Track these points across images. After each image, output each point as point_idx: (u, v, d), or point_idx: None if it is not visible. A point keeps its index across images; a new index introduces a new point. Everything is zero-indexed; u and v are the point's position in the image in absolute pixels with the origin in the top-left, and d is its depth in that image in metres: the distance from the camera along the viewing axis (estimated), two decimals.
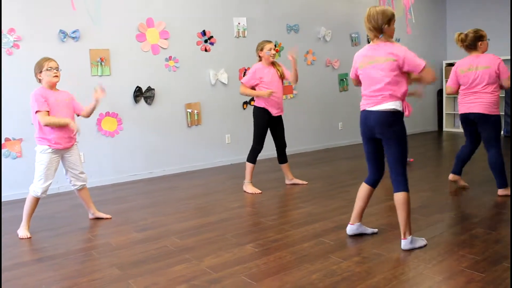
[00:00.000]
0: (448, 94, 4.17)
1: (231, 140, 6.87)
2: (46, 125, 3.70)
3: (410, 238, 3.07)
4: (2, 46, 5.00)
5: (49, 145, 3.76)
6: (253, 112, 4.92)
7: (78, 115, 4.06)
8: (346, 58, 8.18)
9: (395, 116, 3.01)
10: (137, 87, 5.92)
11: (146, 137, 6.05)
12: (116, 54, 5.73)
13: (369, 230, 3.45)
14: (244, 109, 6.96)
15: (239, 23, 6.79)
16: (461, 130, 8.63)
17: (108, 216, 4.18)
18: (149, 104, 6.04)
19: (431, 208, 4.05)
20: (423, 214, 3.86)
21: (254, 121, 4.91)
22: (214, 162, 6.71)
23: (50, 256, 3.27)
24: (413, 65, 2.97)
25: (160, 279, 2.79)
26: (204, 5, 6.45)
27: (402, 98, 3.04)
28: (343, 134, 8.29)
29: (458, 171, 4.64)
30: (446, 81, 10.36)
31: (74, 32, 5.39)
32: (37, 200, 3.82)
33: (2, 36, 4.99)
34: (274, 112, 4.85)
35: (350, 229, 3.40)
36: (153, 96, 6.05)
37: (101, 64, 5.61)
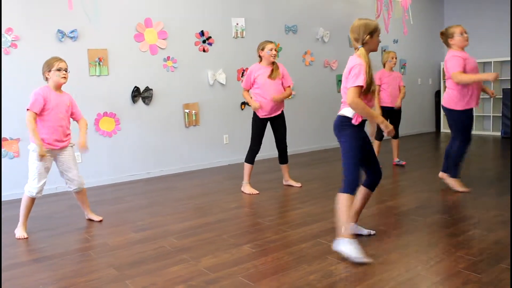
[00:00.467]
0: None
1: (229, 140, 6.87)
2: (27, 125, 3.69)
3: (342, 240, 3.02)
4: (1, 46, 4.99)
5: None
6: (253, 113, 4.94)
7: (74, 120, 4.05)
8: (344, 59, 8.15)
9: (345, 122, 3.16)
10: (135, 87, 5.92)
11: (144, 138, 6.05)
12: (114, 54, 5.73)
13: (365, 231, 3.45)
14: (242, 109, 6.96)
15: (237, 24, 6.79)
16: None
17: (99, 218, 4.14)
18: (147, 104, 6.04)
19: (428, 209, 4.06)
20: (420, 215, 3.86)
21: (251, 122, 4.91)
22: (212, 162, 6.70)
23: (47, 256, 3.27)
24: (348, 80, 3.10)
25: (158, 280, 2.78)
26: (202, 6, 6.45)
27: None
28: None
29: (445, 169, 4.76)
30: (444, 81, 10.42)
31: (72, 32, 5.39)
32: (32, 200, 3.81)
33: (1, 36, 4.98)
34: (262, 114, 4.79)
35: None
36: (151, 96, 6.05)
37: (99, 64, 5.61)
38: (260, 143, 4.91)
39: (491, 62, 9.24)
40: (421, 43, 9.80)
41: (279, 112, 4.88)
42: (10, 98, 5.06)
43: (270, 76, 4.74)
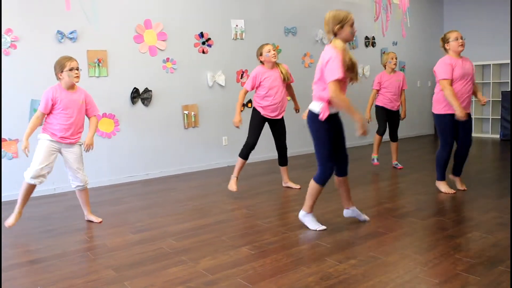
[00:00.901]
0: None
1: (228, 142, 6.87)
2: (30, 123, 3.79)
3: (305, 213, 3.59)
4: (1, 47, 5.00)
5: (51, 135, 3.80)
6: (252, 110, 4.91)
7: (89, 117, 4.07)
8: None
9: (313, 117, 3.34)
10: (135, 88, 5.92)
11: (143, 139, 6.04)
12: (113, 55, 5.73)
13: (362, 217, 3.75)
14: (241, 111, 6.93)
15: (237, 25, 6.79)
16: None
17: (99, 220, 4.12)
18: (146, 105, 6.04)
19: (427, 211, 4.06)
20: (419, 217, 3.86)
21: (250, 119, 4.87)
22: (211, 164, 6.70)
23: (45, 257, 3.26)
24: (326, 73, 3.17)
25: (156, 281, 2.78)
26: (202, 7, 6.45)
27: (326, 101, 3.26)
28: None
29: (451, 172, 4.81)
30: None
31: (71, 33, 5.39)
32: (30, 187, 3.79)
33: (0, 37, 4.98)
34: (270, 115, 4.80)
35: (346, 212, 3.78)
36: (151, 98, 6.05)
37: (98, 65, 5.61)
38: (257, 138, 4.80)
39: (490, 64, 9.26)
40: (420, 46, 9.81)
41: (281, 116, 4.87)
42: (10, 99, 5.06)
43: (282, 79, 4.75)
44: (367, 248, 3.18)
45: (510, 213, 3.83)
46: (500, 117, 8.95)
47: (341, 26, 3.28)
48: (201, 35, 6.45)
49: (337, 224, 3.75)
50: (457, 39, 4.37)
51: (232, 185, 4.84)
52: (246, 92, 4.80)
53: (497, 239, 3.27)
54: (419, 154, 7.29)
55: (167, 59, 6.17)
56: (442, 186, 4.65)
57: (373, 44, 8.78)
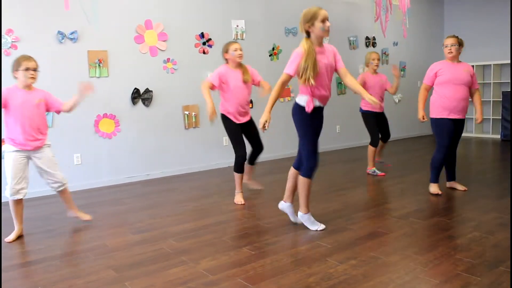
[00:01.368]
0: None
1: (229, 142, 6.84)
2: None
3: (302, 214, 3.61)
4: (1, 47, 4.99)
5: (13, 145, 3.65)
6: (221, 119, 4.65)
7: (59, 113, 4.00)
8: (344, 61, 8.17)
9: (297, 108, 3.44)
10: (135, 88, 5.92)
11: (143, 139, 6.05)
12: (114, 56, 5.73)
13: (293, 219, 3.79)
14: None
15: (237, 26, 6.80)
16: None
17: (87, 217, 4.11)
18: (147, 106, 6.04)
19: (427, 212, 4.06)
20: (419, 218, 3.86)
21: (226, 131, 4.66)
22: (212, 164, 6.70)
23: (46, 258, 3.26)
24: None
25: (157, 281, 2.78)
26: (202, 7, 6.46)
27: (309, 94, 3.37)
28: (340, 138, 8.30)
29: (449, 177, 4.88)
30: None
31: (72, 33, 5.39)
32: (16, 202, 3.69)
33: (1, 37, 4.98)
34: (237, 120, 4.55)
35: (281, 204, 3.85)
36: (151, 98, 6.05)
37: (99, 65, 5.61)
38: (245, 146, 4.63)
39: (490, 65, 9.25)
40: (421, 46, 9.81)
41: (249, 118, 4.66)
42: None
43: (243, 81, 4.49)
44: (367, 249, 3.18)
45: (510, 213, 3.83)
46: (500, 118, 8.95)
47: (311, 23, 3.33)
48: (202, 35, 6.45)
49: (338, 225, 3.75)
50: (446, 46, 4.50)
51: (239, 199, 4.64)
52: (211, 86, 4.43)
53: (498, 239, 3.27)
54: (419, 155, 7.28)
55: (168, 60, 6.17)
56: (432, 187, 4.68)
57: (374, 45, 8.77)
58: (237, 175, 4.69)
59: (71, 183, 5.47)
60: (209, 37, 6.52)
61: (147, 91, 6.02)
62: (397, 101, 9.35)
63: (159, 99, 6.14)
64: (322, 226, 3.62)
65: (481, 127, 9.67)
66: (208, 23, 6.51)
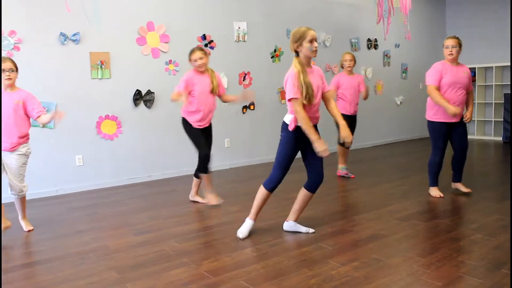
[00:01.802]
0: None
1: (231, 144, 6.87)
2: None
3: (251, 222, 3.63)
4: (2, 49, 5.00)
5: None
6: (181, 123, 4.62)
7: (35, 118, 3.79)
8: None
9: (284, 126, 3.45)
10: (137, 90, 5.93)
11: (145, 141, 6.05)
12: (116, 57, 5.74)
13: (303, 229, 3.66)
14: (243, 113, 6.96)
15: (239, 28, 6.80)
16: None
17: (29, 228, 3.95)
18: (149, 107, 6.05)
19: (429, 214, 4.05)
20: (421, 219, 3.86)
21: (186, 133, 4.63)
22: (213, 166, 6.69)
23: (47, 259, 3.26)
24: (286, 92, 3.32)
25: (158, 283, 2.78)
26: (204, 9, 6.46)
27: (294, 114, 3.34)
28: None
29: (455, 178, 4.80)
30: None
31: (74, 35, 5.40)
32: None
33: (2, 38, 4.99)
34: (199, 124, 4.50)
35: (286, 225, 3.74)
36: (153, 100, 6.05)
37: (101, 67, 5.62)
38: (208, 146, 4.58)
39: (492, 67, 9.25)
40: (423, 48, 9.81)
41: (207, 124, 4.58)
42: None
43: (211, 91, 4.43)
44: (369, 250, 3.18)
45: (511, 215, 3.82)
46: (502, 120, 8.94)
47: (300, 43, 3.33)
48: (204, 37, 6.46)
49: (339, 226, 3.74)
50: (447, 47, 4.40)
51: (213, 199, 4.57)
52: (182, 93, 4.35)
53: (500, 241, 3.26)
54: (421, 156, 7.27)
55: (170, 61, 6.18)
56: (433, 191, 4.67)
57: (375, 47, 8.77)
58: (203, 177, 4.59)
59: (73, 184, 5.51)
60: (211, 39, 6.52)
61: (149, 92, 6.02)
62: (398, 103, 9.35)
63: (161, 101, 6.15)
64: (245, 236, 3.56)
65: (483, 129, 9.66)
66: (210, 25, 6.52)
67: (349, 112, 5.55)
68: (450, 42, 4.39)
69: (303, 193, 3.62)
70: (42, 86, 5.25)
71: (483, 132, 9.65)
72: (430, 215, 4.02)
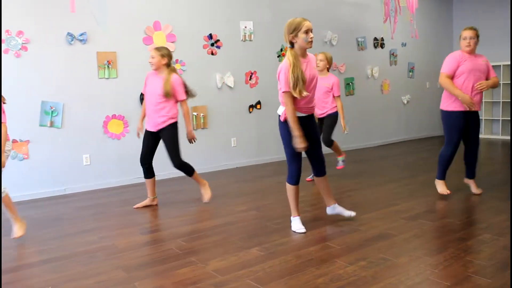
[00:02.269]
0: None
1: (237, 143, 6.87)
2: None
3: (292, 217, 3.72)
4: (10, 49, 5.03)
5: None
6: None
7: None
8: (352, 62, 8.19)
9: (279, 119, 3.54)
10: None
11: None
12: (123, 57, 5.76)
13: (346, 213, 3.84)
14: (250, 112, 6.96)
15: (245, 27, 6.80)
16: None
17: (18, 235, 3.68)
18: None
19: (437, 213, 4.04)
20: (429, 219, 3.84)
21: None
22: (220, 165, 6.71)
23: (55, 258, 3.28)
24: (279, 84, 3.38)
25: (166, 282, 2.79)
26: (211, 9, 6.47)
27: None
28: (349, 138, 8.27)
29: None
30: None
31: (81, 34, 5.42)
32: None
33: (10, 39, 5.02)
34: (148, 128, 4.47)
35: (328, 210, 3.93)
36: None
37: (108, 66, 5.64)
38: (147, 153, 4.61)
39: (500, 65, 9.19)
40: (429, 46, 9.76)
41: (157, 128, 4.42)
42: (20, 101, 5.10)
43: (161, 91, 4.29)
44: (377, 250, 3.17)
45: (510, 215, 3.80)
46: (510, 118, 8.88)
47: (295, 34, 3.33)
48: (210, 36, 6.47)
49: (347, 226, 3.74)
50: (465, 39, 4.30)
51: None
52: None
53: (508, 241, 3.24)
54: (428, 156, 7.24)
55: (176, 61, 6.18)
56: (439, 186, 4.60)
57: (382, 45, 8.75)
58: (146, 181, 4.68)
59: (81, 183, 5.53)
60: (217, 38, 6.53)
61: None
62: (405, 102, 9.32)
63: None
64: (302, 230, 3.63)
65: (491, 128, 9.60)
66: (216, 25, 6.52)
67: (317, 114, 5.26)
68: (468, 33, 4.27)
69: (317, 180, 3.78)
70: (49, 86, 5.28)
71: (491, 131, 9.59)
72: (438, 214, 4.00)
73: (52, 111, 5.30)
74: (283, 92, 3.35)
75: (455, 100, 4.30)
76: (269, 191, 5.09)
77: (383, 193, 4.90)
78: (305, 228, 3.68)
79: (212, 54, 6.51)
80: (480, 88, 4.24)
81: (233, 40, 6.71)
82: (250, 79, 6.88)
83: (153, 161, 6.09)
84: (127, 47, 5.79)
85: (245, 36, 6.80)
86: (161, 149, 6.13)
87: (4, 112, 3.49)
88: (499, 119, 9.28)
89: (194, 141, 4.62)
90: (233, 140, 6.83)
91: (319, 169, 3.72)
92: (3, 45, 4.98)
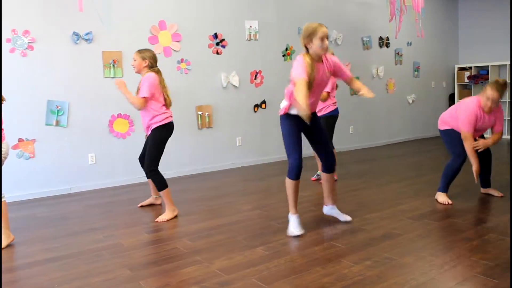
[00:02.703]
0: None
1: (242, 142, 6.88)
2: None
3: (290, 214, 3.62)
4: (17, 48, 5.06)
5: None
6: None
7: None
8: (357, 61, 8.17)
9: (280, 112, 3.55)
10: None
11: None
12: (128, 56, 5.76)
13: (342, 217, 3.81)
14: (255, 112, 6.96)
15: (250, 26, 6.80)
16: None
17: (7, 241, 3.53)
18: None
19: (442, 213, 4.02)
20: (434, 219, 3.83)
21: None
22: (225, 164, 6.72)
23: (62, 256, 3.30)
24: (293, 74, 3.31)
25: (171, 281, 2.79)
26: (216, 8, 6.48)
27: (288, 102, 3.46)
28: (354, 138, 8.27)
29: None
30: (458, 85, 10.25)
31: (87, 34, 5.44)
32: None
33: (16, 38, 5.05)
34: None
35: (325, 209, 3.92)
36: None
37: (113, 66, 5.66)
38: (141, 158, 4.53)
39: (506, 65, 9.14)
40: (435, 46, 9.74)
41: (148, 130, 4.31)
42: (27, 100, 5.13)
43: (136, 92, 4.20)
44: (382, 250, 3.17)
45: (510, 215, 3.79)
46: (510, 118, 8.84)
47: (310, 40, 3.31)
48: (215, 36, 6.47)
49: (352, 225, 3.73)
50: (488, 99, 4.10)
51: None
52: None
53: None
54: (433, 156, 7.22)
55: (182, 60, 6.20)
56: (441, 196, 4.42)
57: (387, 45, 8.73)
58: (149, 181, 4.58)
59: (86, 182, 5.56)
60: (223, 38, 6.54)
61: None
62: (410, 101, 9.30)
63: (173, 99, 6.11)
64: (298, 232, 3.52)
65: None
66: (221, 24, 6.53)
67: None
68: (495, 96, 4.05)
69: (324, 177, 3.78)
70: (55, 85, 5.31)
71: None
72: (443, 214, 3.99)
73: (58, 110, 5.32)
74: (300, 78, 3.17)
75: (453, 123, 4.35)
76: (274, 191, 5.09)
77: (388, 193, 4.89)
78: (308, 227, 3.68)
79: (217, 53, 6.52)
80: (477, 148, 4.31)
81: (238, 39, 6.72)
82: (255, 79, 6.88)
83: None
84: (133, 47, 5.76)
85: (250, 35, 6.81)
86: (174, 147, 6.15)
87: None
88: (505, 119, 9.23)
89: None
90: (238, 140, 6.84)
91: (330, 163, 3.69)
92: (9, 44, 5.01)
